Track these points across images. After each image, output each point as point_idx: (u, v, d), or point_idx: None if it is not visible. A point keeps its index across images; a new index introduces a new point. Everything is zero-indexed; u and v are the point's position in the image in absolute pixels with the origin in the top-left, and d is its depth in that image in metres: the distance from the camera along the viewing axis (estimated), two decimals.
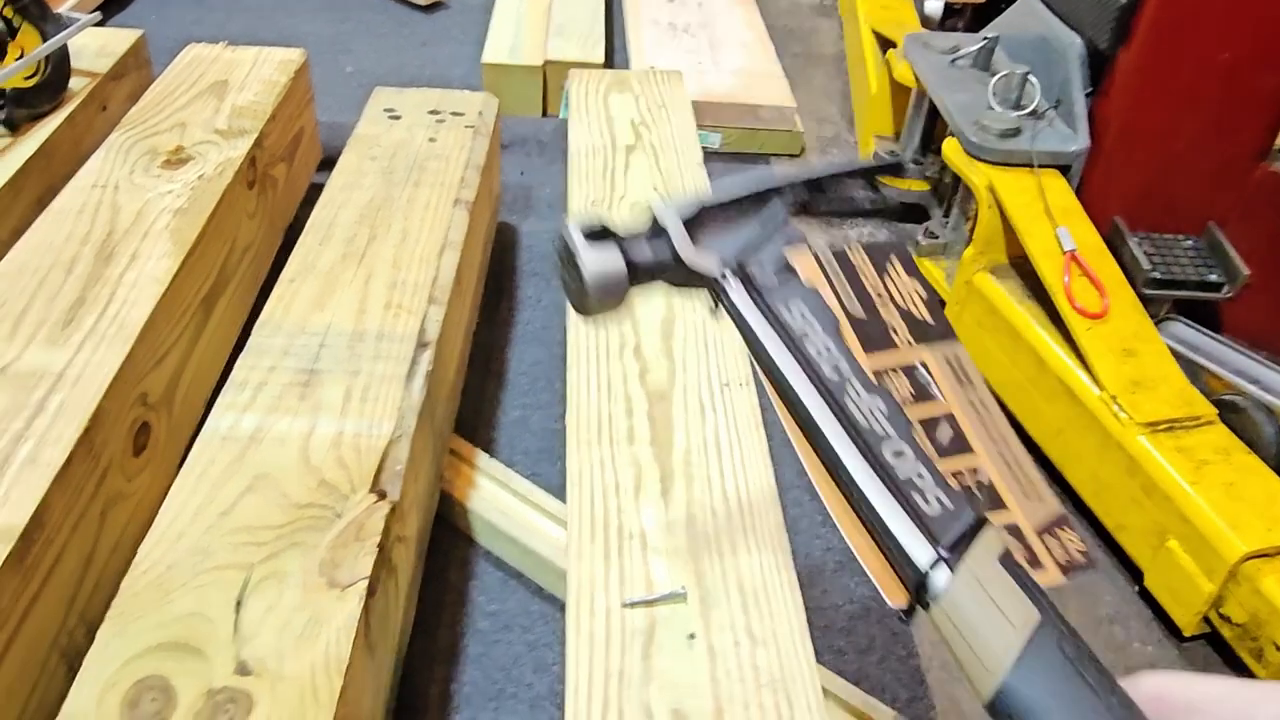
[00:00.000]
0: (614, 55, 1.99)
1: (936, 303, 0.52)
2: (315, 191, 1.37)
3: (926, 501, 0.38)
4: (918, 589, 0.36)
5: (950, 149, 1.29)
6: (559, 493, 0.99)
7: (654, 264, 0.51)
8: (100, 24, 1.30)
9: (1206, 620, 0.97)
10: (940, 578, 0.36)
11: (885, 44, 1.76)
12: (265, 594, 0.69)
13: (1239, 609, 0.93)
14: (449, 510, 1.02)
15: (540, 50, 1.80)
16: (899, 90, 1.60)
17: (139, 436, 0.90)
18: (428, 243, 1.06)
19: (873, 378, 0.45)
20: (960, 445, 0.46)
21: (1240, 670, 0.97)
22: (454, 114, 1.31)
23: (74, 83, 1.28)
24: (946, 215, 1.43)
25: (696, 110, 1.54)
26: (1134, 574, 1.05)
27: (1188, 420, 1.03)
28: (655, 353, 0.94)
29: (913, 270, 0.53)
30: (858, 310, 0.50)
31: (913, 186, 1.56)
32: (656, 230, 0.52)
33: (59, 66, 1.24)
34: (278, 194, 1.30)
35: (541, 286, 1.37)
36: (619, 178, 1.21)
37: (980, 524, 0.37)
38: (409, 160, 1.20)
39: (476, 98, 1.35)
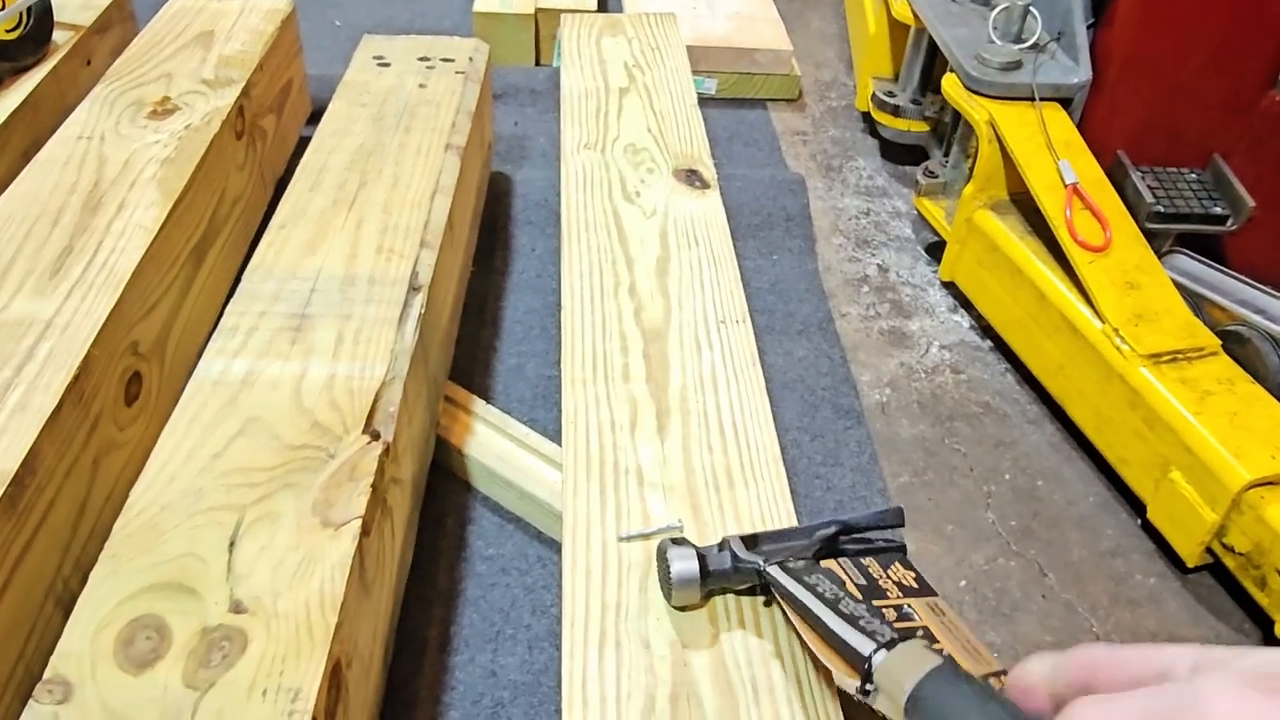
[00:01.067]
0: (606, 2, 1.96)
1: (924, 581, 0.69)
2: (305, 145, 1.36)
3: (880, 633, 0.57)
4: (866, 670, 0.53)
5: (950, 85, 1.27)
6: (556, 438, 0.98)
7: (719, 569, 0.67)
8: None
9: (1209, 551, 0.97)
10: (879, 658, 0.53)
11: None
12: (259, 534, 0.68)
13: (1242, 538, 0.92)
14: (446, 456, 1.01)
15: None
16: (897, 30, 1.57)
17: (130, 386, 0.89)
18: (419, 188, 1.04)
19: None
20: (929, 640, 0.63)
21: (1244, 601, 0.97)
22: (444, 60, 1.29)
23: (57, 36, 1.27)
24: (946, 154, 1.41)
25: (691, 55, 1.52)
26: (1136, 508, 1.05)
27: (1191, 351, 1.01)
28: (650, 291, 0.93)
29: (909, 565, 0.70)
30: (862, 580, 0.67)
31: (912, 127, 1.54)
32: (723, 545, 0.68)
33: (41, 19, 1.22)
34: (267, 145, 1.28)
35: (536, 235, 1.35)
36: (612, 120, 1.19)
37: (909, 637, 0.54)
38: (399, 106, 1.18)
39: (467, 44, 1.33)
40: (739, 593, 0.68)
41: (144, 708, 0.58)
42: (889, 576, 0.68)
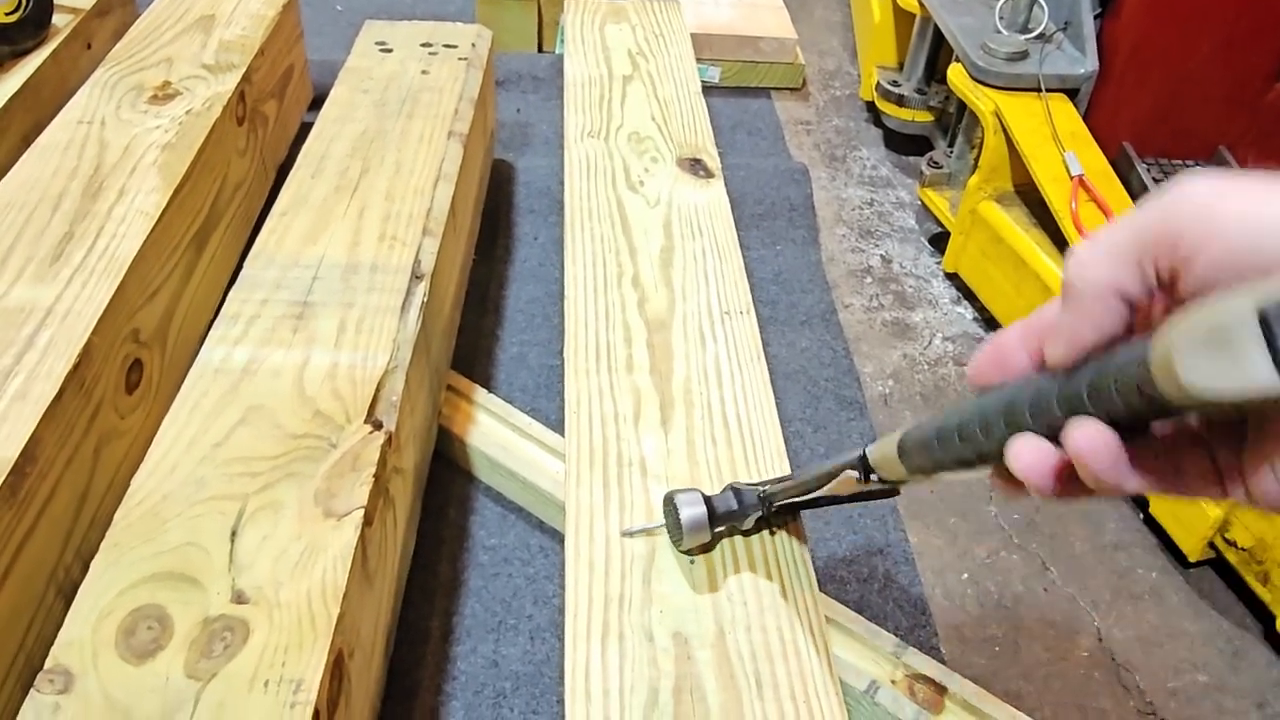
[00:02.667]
0: None
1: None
2: (307, 131, 1.35)
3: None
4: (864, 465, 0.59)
5: (955, 75, 1.26)
6: (558, 428, 0.98)
7: (725, 509, 0.69)
8: None
9: (1211, 546, 0.97)
10: (868, 450, 0.59)
11: None
12: (261, 524, 0.68)
13: (1245, 533, 0.92)
14: (448, 446, 1.01)
15: None
16: (902, 19, 1.56)
17: (131, 373, 0.89)
18: (422, 175, 1.04)
19: None
20: None
21: (1245, 596, 0.97)
22: (446, 46, 1.28)
23: (57, 20, 1.26)
24: (951, 145, 1.41)
25: (696, 43, 1.51)
26: (1138, 502, 1.05)
27: None
28: (654, 282, 0.92)
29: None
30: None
31: (916, 117, 1.53)
32: (726, 490, 0.71)
33: (41, 2, 1.21)
34: (269, 131, 1.27)
35: (538, 224, 1.35)
36: (616, 108, 1.19)
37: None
38: (401, 93, 1.17)
39: (470, 30, 1.32)
40: (747, 533, 0.71)
41: (145, 698, 0.58)
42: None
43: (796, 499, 0.68)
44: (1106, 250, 0.34)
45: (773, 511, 0.70)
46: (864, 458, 0.59)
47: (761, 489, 0.70)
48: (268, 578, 0.65)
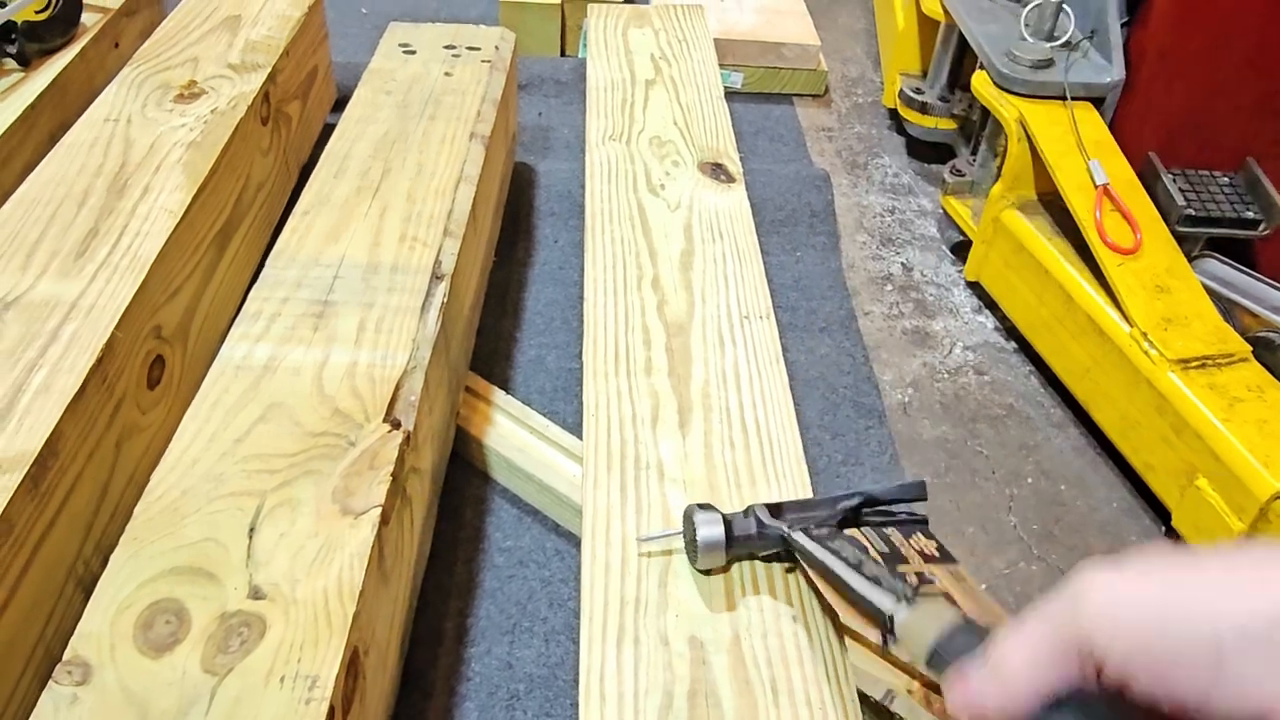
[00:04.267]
0: None
1: (946, 550, 0.69)
2: (330, 132, 1.36)
3: (901, 592, 0.59)
4: (888, 626, 0.57)
5: (980, 82, 1.26)
6: (575, 431, 0.98)
7: (744, 533, 0.68)
8: None
9: None
10: (900, 613, 0.56)
11: None
12: (278, 520, 0.68)
13: None
14: (465, 447, 1.01)
15: None
16: (927, 26, 1.55)
17: (153, 369, 0.90)
18: (443, 176, 1.04)
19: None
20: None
21: None
22: (470, 49, 1.28)
23: (86, 18, 1.27)
24: (974, 152, 1.40)
25: (719, 48, 1.51)
26: (1161, 514, 1.03)
27: (1220, 357, 1.00)
28: (674, 285, 0.92)
29: (930, 535, 0.70)
30: (884, 548, 0.68)
31: (939, 124, 1.52)
32: (748, 512, 0.69)
33: (70, 1, 1.23)
34: (292, 132, 1.28)
35: (559, 227, 1.35)
36: (638, 112, 1.19)
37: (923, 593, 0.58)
38: (424, 94, 1.18)
39: (493, 32, 1.32)
40: (764, 559, 0.69)
41: (163, 691, 0.58)
42: (910, 545, 0.69)
43: (816, 560, 0.65)
44: (1027, 658, 0.34)
45: (791, 553, 0.68)
46: (891, 620, 0.57)
47: (785, 523, 0.68)
48: (284, 574, 0.65)
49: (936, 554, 0.68)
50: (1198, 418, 0.95)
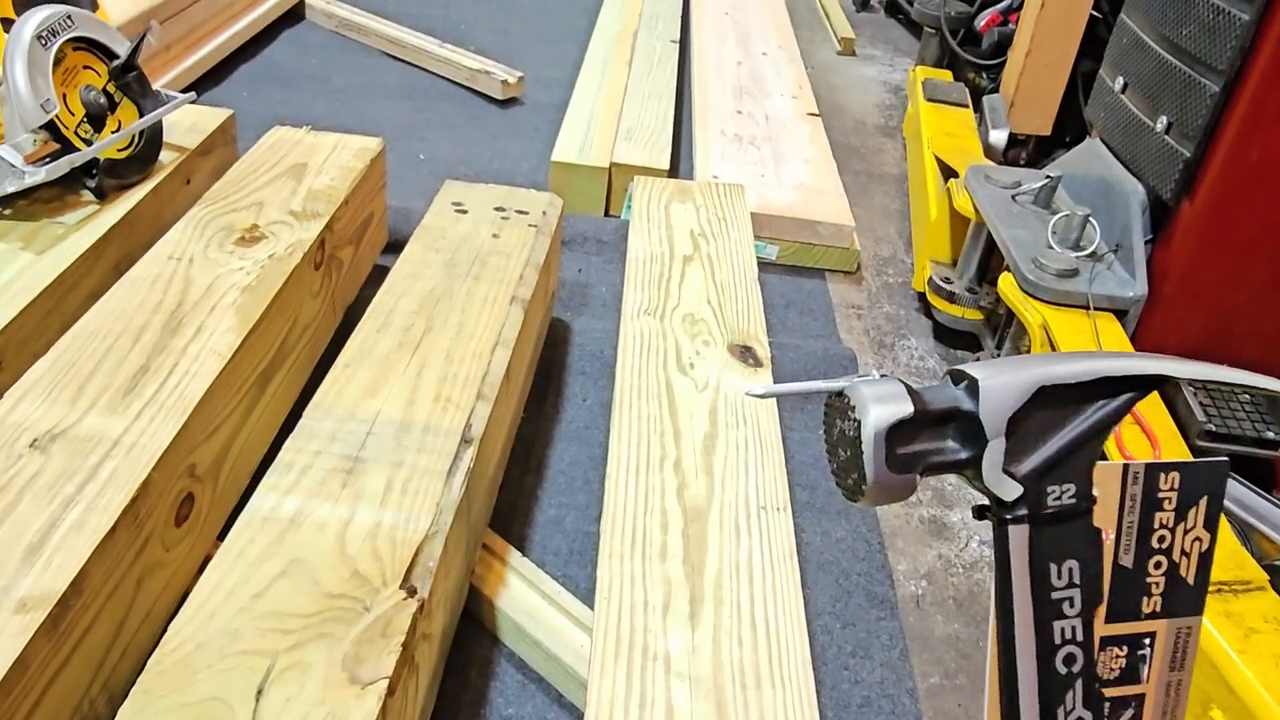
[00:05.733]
0: (679, 161, 2.04)
1: (1209, 559, 0.53)
2: (378, 273, 1.41)
3: None
4: None
5: (1006, 284, 1.30)
6: (588, 598, 0.98)
7: (945, 410, 0.47)
8: (194, 101, 1.37)
9: None
10: None
11: (947, 170, 1.78)
12: (287, 684, 0.69)
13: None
14: (477, 605, 1.02)
15: (608, 152, 1.85)
16: (958, 219, 1.61)
17: (182, 507, 0.92)
18: (482, 338, 1.08)
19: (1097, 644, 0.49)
20: None
21: None
22: (519, 212, 1.35)
23: (163, 155, 1.34)
24: (999, 347, 1.43)
25: (756, 221, 1.57)
26: None
27: (1237, 584, 1.00)
28: (695, 469, 0.94)
29: (1212, 520, 0.53)
30: (1127, 558, 0.51)
31: (966, 314, 1.56)
32: (966, 388, 0.47)
33: (152, 140, 1.31)
34: (342, 275, 1.34)
35: (588, 385, 1.38)
36: (674, 288, 1.23)
37: None
38: (472, 254, 1.23)
39: (542, 197, 1.39)
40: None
41: None
42: (1173, 538, 0.52)
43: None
44: None
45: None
46: None
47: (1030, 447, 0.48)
48: None
49: (1190, 582, 0.53)
50: (1212, 646, 0.94)
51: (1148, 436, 1.10)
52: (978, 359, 1.42)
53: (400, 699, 0.74)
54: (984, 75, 2.21)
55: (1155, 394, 1.17)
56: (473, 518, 0.96)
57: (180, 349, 0.99)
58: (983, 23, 2.23)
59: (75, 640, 0.75)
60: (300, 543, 0.80)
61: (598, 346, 1.44)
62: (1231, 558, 1.02)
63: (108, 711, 0.67)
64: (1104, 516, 0.50)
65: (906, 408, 0.46)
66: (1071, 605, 0.49)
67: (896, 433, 0.46)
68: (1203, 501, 0.53)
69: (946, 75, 2.26)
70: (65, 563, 0.75)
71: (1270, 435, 1.20)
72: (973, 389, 0.48)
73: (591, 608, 0.88)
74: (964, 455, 0.48)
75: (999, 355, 1.41)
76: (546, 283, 1.33)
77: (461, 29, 2.55)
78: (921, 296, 1.71)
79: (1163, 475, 0.51)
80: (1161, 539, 0.52)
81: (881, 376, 0.48)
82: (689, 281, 1.25)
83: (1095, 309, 1.21)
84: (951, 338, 1.64)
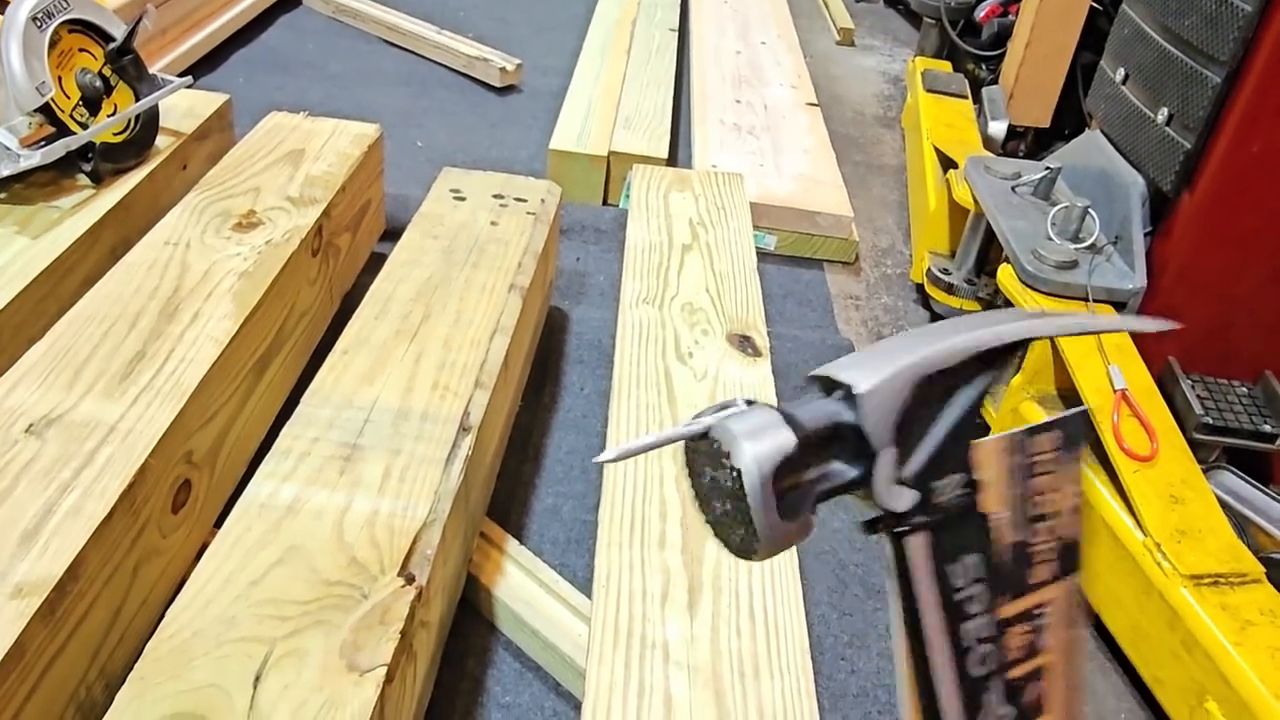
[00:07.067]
0: (678, 150, 2.03)
1: (1081, 509, 0.51)
2: (376, 260, 1.41)
3: None
4: None
5: (1005, 275, 1.29)
6: (585, 586, 0.98)
7: (825, 429, 0.41)
8: (190, 86, 1.36)
9: None
10: None
11: (946, 161, 1.78)
12: (284, 671, 0.69)
13: None
14: (475, 593, 1.01)
15: (606, 140, 1.84)
16: (956, 210, 1.61)
17: (179, 493, 0.91)
18: (480, 326, 1.08)
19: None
20: (1035, 709, 0.48)
21: None
22: (517, 199, 1.34)
23: (159, 140, 1.33)
24: None
25: (754, 211, 1.56)
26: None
27: (1233, 576, 1.00)
28: None
29: (1079, 473, 0.51)
30: (1017, 533, 0.48)
31: (965, 306, 1.56)
32: (839, 397, 0.41)
33: (148, 125, 1.30)
34: (340, 262, 1.33)
35: (586, 374, 1.38)
36: (673, 276, 1.23)
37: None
38: (470, 242, 1.23)
39: (540, 185, 1.38)
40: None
41: None
42: (1046, 515, 0.49)
43: None
44: None
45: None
46: None
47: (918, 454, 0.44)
48: None
49: (1067, 540, 0.50)
50: (1209, 638, 0.94)
51: (1146, 429, 1.10)
52: None
53: (398, 686, 0.74)
54: (983, 66, 2.21)
55: (1154, 387, 1.17)
56: (470, 506, 0.96)
57: (177, 335, 0.99)
58: (982, 13, 2.22)
59: (72, 626, 0.75)
60: (298, 530, 0.80)
61: (596, 335, 1.44)
62: (1228, 550, 1.02)
63: (104, 698, 0.66)
64: (993, 497, 0.46)
65: (788, 439, 0.39)
66: (977, 602, 0.45)
67: (782, 472, 0.39)
68: (1075, 455, 0.50)
69: (946, 66, 2.26)
70: (62, 548, 0.75)
71: (1267, 428, 1.20)
72: (849, 397, 0.41)
73: (589, 596, 0.88)
74: (853, 474, 0.42)
75: None
76: (545, 271, 1.32)
77: (460, 15, 2.54)
78: (920, 288, 1.71)
79: (1041, 437, 0.48)
80: (1044, 503, 0.49)
81: (747, 404, 0.41)
82: (688, 270, 1.24)
83: (1094, 301, 1.21)
84: None
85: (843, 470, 0.42)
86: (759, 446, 0.38)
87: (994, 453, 0.46)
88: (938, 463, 0.43)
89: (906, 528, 0.43)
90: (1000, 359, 0.45)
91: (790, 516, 0.40)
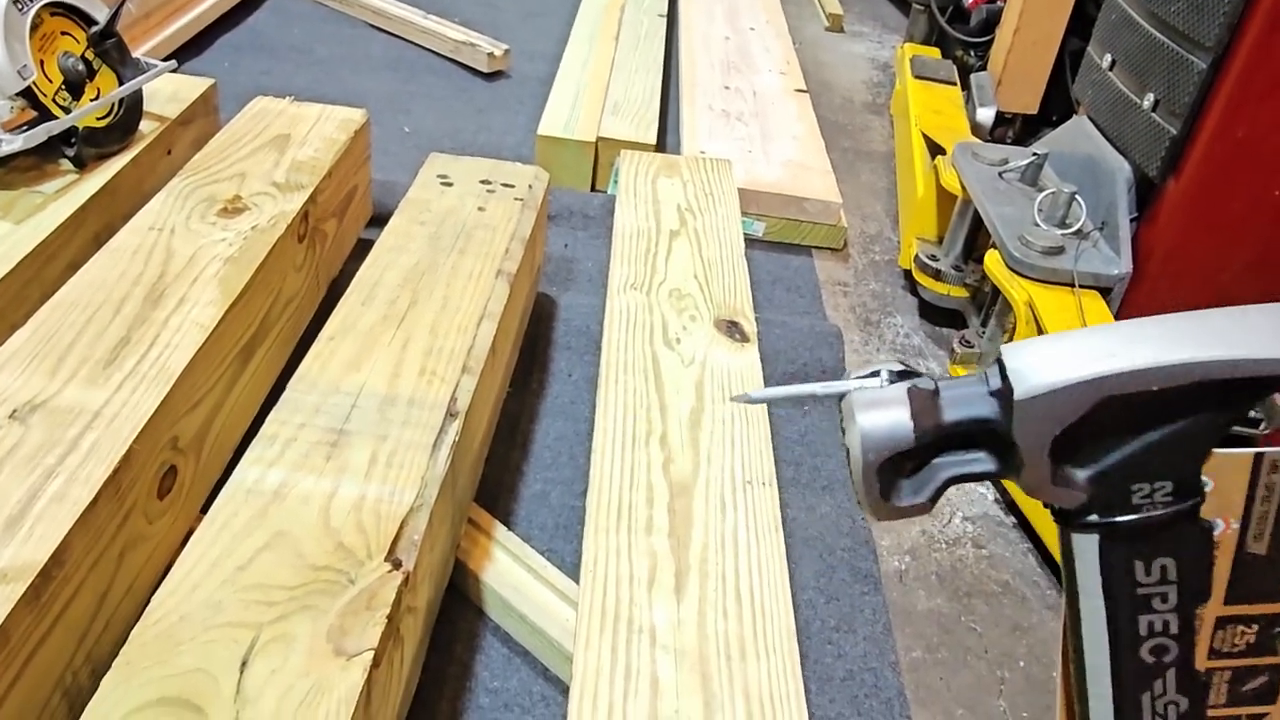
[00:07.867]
0: (666, 136, 2.03)
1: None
2: (362, 247, 1.40)
3: None
4: None
5: (992, 261, 1.30)
6: (573, 572, 0.99)
7: (963, 423, 0.36)
8: (174, 70, 1.35)
9: None
10: None
11: (934, 148, 1.78)
12: (271, 656, 0.69)
13: None
14: (463, 580, 1.01)
15: (594, 126, 1.83)
16: (944, 196, 1.61)
17: (165, 479, 0.91)
18: (467, 312, 1.07)
19: (1210, 637, 0.43)
20: (1264, 698, 0.45)
21: None
22: (504, 185, 1.34)
23: (143, 125, 1.33)
24: (984, 325, 1.43)
25: (743, 198, 1.56)
26: None
27: None
28: (681, 443, 0.94)
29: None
30: (1259, 546, 0.44)
31: (952, 292, 1.56)
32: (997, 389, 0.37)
33: (131, 109, 1.29)
34: (326, 248, 1.32)
35: (574, 360, 1.38)
36: (660, 263, 1.23)
37: None
38: (457, 228, 1.22)
39: (528, 171, 1.38)
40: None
41: None
42: None
43: None
44: None
45: None
46: None
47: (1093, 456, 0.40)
48: (271, 713, 0.65)
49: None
50: None
51: None
52: (963, 338, 1.43)
53: (385, 671, 0.74)
54: (972, 53, 2.21)
55: None
56: (458, 492, 0.96)
57: (162, 321, 0.98)
58: (971, 0, 2.22)
59: (57, 612, 0.75)
60: (284, 515, 0.80)
61: (584, 321, 1.44)
62: None
63: (90, 683, 0.66)
64: (1223, 507, 0.43)
65: (904, 431, 0.36)
66: (1164, 600, 0.41)
67: (893, 461, 0.37)
68: None
69: (935, 52, 2.26)
70: (47, 534, 0.74)
71: (1250, 413, 1.21)
72: (1005, 399, 0.37)
73: (577, 581, 0.88)
74: (993, 468, 0.40)
75: (984, 333, 1.41)
76: (532, 257, 1.32)
77: (446, 0, 2.52)
78: (908, 274, 1.72)
79: None
80: None
81: (897, 374, 0.39)
82: (675, 256, 1.24)
83: (1080, 286, 1.22)
84: (937, 315, 1.65)
85: (982, 461, 0.39)
86: (872, 432, 0.37)
87: (1238, 468, 0.43)
88: (1135, 466, 0.39)
89: (1076, 525, 0.39)
90: (1238, 398, 0.38)
91: (901, 498, 0.38)
